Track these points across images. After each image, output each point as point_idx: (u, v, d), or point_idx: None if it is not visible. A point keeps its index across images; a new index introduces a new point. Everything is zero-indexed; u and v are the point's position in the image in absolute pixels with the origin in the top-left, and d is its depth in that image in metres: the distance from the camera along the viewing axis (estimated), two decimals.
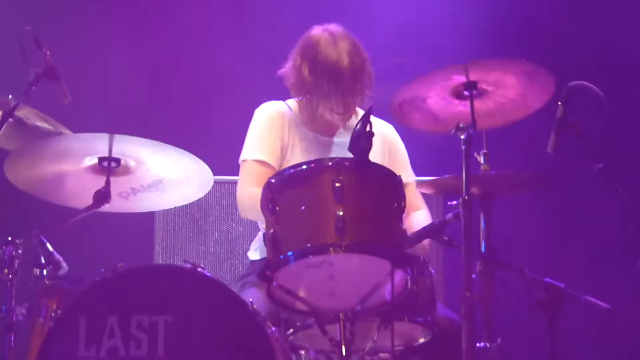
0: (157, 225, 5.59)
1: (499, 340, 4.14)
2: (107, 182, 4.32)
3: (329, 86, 4.67)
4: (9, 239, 4.26)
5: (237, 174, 4.87)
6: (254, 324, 3.94)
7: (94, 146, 4.29)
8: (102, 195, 4.33)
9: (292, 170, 3.93)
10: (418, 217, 4.80)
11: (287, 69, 4.80)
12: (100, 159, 4.33)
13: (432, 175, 5.16)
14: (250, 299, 4.02)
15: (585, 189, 5.59)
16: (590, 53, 6.31)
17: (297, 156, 4.79)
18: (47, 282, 4.32)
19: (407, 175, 4.90)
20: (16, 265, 4.24)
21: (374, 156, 3.91)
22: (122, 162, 4.34)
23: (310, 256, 3.80)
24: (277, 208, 3.87)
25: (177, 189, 4.47)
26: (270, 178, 3.92)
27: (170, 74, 6.46)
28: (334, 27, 4.79)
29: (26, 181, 4.39)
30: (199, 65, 6.48)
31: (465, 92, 4.15)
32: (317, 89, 4.70)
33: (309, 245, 3.79)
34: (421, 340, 4.24)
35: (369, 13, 6.46)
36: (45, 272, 4.33)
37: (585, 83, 4.27)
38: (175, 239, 5.61)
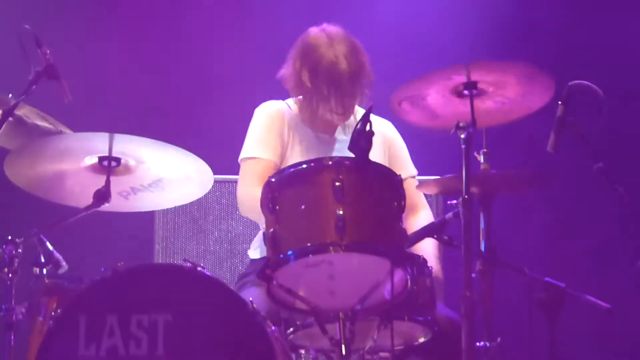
0: (157, 225, 5.59)
1: (499, 339, 4.13)
2: (107, 181, 4.32)
3: (328, 88, 4.68)
4: (9, 237, 4.25)
5: (237, 173, 4.87)
6: (254, 323, 3.94)
7: (94, 145, 4.29)
8: (102, 195, 4.33)
9: (292, 170, 3.93)
10: (423, 220, 4.80)
11: (285, 71, 4.82)
12: (101, 158, 4.33)
13: (432, 175, 5.18)
14: (250, 298, 4.02)
15: (585, 188, 5.59)
16: (590, 53, 6.31)
17: (297, 155, 4.80)
18: (46, 281, 4.32)
19: (408, 170, 4.93)
20: (16, 264, 4.23)
21: (374, 155, 3.91)
22: (122, 161, 4.34)
23: (310, 255, 3.80)
24: (277, 207, 3.87)
25: (177, 188, 4.47)
26: (270, 177, 3.92)
27: (171, 73, 6.46)
28: (331, 28, 4.79)
29: (26, 180, 4.39)
30: (199, 64, 6.48)
31: (465, 92, 4.15)
32: (316, 91, 4.72)
33: (309, 244, 3.79)
34: (421, 340, 4.24)
35: (369, 13, 6.46)
36: (45, 271, 4.32)
37: (585, 82, 4.27)
38: (175, 238, 5.61)
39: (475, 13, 6.53)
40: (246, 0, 6.59)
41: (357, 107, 4.87)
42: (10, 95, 4.38)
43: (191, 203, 5.31)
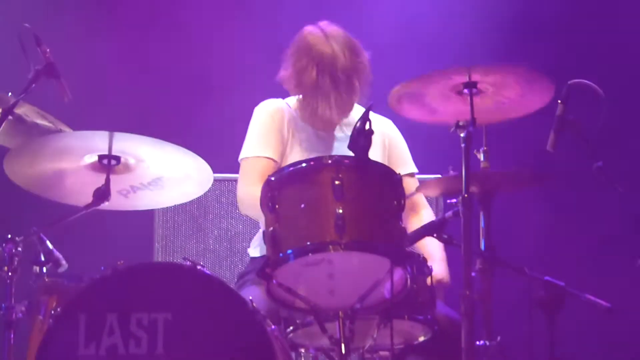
0: (156, 223, 5.59)
1: (499, 338, 4.13)
2: (107, 180, 4.32)
3: (326, 83, 4.69)
4: (9, 236, 4.25)
5: (236, 171, 4.87)
6: (254, 322, 3.94)
7: (93, 144, 4.29)
8: (102, 193, 4.32)
9: (291, 168, 3.93)
10: (425, 219, 4.80)
11: (284, 72, 4.82)
12: (100, 157, 4.32)
13: (431, 174, 5.18)
14: (250, 297, 4.02)
15: (585, 187, 5.58)
16: (591, 53, 6.31)
17: (297, 153, 4.81)
18: (46, 280, 4.32)
19: (408, 167, 4.94)
20: (16, 262, 4.23)
21: (374, 153, 3.92)
22: (122, 159, 4.34)
23: (310, 254, 3.80)
24: (277, 206, 3.87)
25: (176, 187, 4.47)
26: (269, 176, 3.93)
27: (170, 71, 6.46)
28: (325, 25, 4.81)
29: (26, 179, 4.38)
30: (199, 63, 6.48)
31: (465, 91, 4.15)
32: (315, 88, 4.72)
33: (308, 243, 3.79)
34: (421, 339, 4.24)
35: (369, 13, 6.46)
36: (44, 269, 4.32)
37: (585, 81, 4.27)
38: (175, 237, 5.62)
39: (475, 13, 6.53)
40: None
41: (357, 106, 4.87)
42: (10, 93, 4.38)
43: (191, 202, 5.32)
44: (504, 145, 4.75)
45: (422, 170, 5.04)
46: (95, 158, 4.33)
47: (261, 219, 4.13)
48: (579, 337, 5.79)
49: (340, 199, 3.79)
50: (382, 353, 4.24)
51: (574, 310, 4.22)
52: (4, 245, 4.23)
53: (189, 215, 5.62)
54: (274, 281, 3.88)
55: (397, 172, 3.97)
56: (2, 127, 4.35)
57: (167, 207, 5.52)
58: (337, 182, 3.81)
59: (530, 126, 4.68)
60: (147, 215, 5.56)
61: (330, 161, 3.88)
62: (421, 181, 4.91)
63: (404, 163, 4.93)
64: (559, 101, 4.26)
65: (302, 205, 3.82)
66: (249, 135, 4.87)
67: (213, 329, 3.91)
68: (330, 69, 4.69)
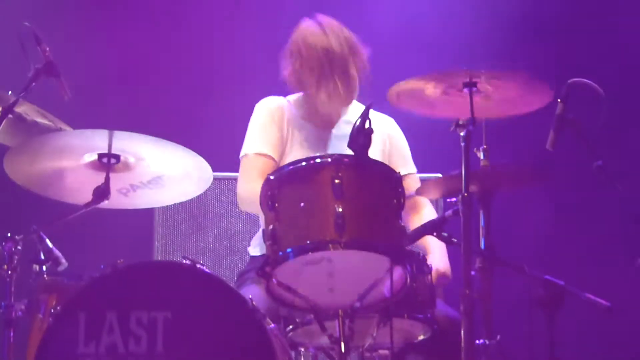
0: (156, 222, 5.59)
1: (498, 337, 4.13)
2: (107, 179, 4.32)
3: (323, 69, 4.71)
4: (8, 235, 4.25)
5: (236, 170, 4.87)
6: (254, 320, 3.94)
7: (93, 142, 4.29)
8: (102, 192, 4.32)
9: (291, 167, 3.93)
10: (427, 217, 4.81)
11: (284, 71, 4.84)
12: (100, 155, 4.32)
13: (431, 172, 5.18)
14: (250, 296, 4.02)
15: (585, 186, 5.59)
16: (591, 53, 6.30)
17: (297, 150, 4.81)
18: (46, 278, 4.32)
19: (409, 167, 4.94)
20: (15, 261, 4.23)
21: (374, 151, 3.92)
22: (122, 158, 4.34)
23: (310, 253, 3.80)
24: (277, 205, 3.87)
25: (176, 186, 4.46)
26: (269, 175, 3.92)
27: (170, 70, 6.46)
28: (320, 17, 4.86)
29: (26, 177, 4.38)
30: (199, 62, 6.48)
31: (465, 90, 4.15)
32: (314, 77, 4.73)
33: (308, 241, 3.79)
34: (420, 337, 4.24)
35: (369, 12, 6.46)
36: (44, 268, 4.32)
37: (585, 80, 4.27)
38: (175, 236, 5.62)
39: (475, 12, 6.53)
40: None
41: (358, 105, 4.88)
42: (9, 92, 4.38)
43: (190, 200, 5.31)
44: (504, 144, 4.74)
45: (421, 170, 5.04)
46: (95, 156, 4.33)
47: (261, 214, 4.12)
48: (578, 336, 5.79)
49: (340, 198, 3.79)
50: (381, 352, 4.25)
51: (574, 310, 4.22)
52: (3, 243, 4.23)
53: (188, 214, 5.62)
54: (274, 280, 3.88)
55: (398, 170, 3.97)
56: (2, 126, 4.34)
57: (167, 206, 5.52)
58: (336, 181, 3.81)
59: (529, 125, 4.68)
60: (147, 214, 5.56)
61: (330, 160, 3.87)
62: (420, 180, 4.91)
63: (404, 163, 4.93)
64: (559, 100, 4.26)
65: (302, 204, 3.82)
66: (249, 133, 4.88)
67: (213, 328, 3.91)
68: (327, 59, 4.72)
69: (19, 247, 4.25)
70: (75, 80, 4.45)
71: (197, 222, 5.63)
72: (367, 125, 3.86)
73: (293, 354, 4.22)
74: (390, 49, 6.11)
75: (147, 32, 6.45)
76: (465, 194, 4.01)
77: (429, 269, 4.23)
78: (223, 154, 4.96)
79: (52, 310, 4.13)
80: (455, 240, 4.16)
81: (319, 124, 4.88)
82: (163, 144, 4.25)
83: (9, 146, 4.36)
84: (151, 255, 5.56)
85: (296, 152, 4.79)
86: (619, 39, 6.37)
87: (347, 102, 4.82)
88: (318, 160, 3.90)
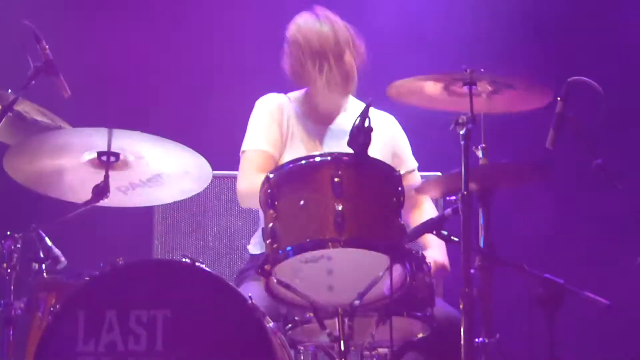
0: (155, 220, 5.59)
1: (498, 335, 4.13)
2: (106, 177, 4.32)
3: (320, 55, 4.72)
4: (8, 233, 4.26)
5: (236, 168, 4.87)
6: (253, 319, 3.94)
7: (93, 140, 4.29)
8: (101, 190, 4.32)
9: (291, 165, 3.93)
10: (428, 213, 4.82)
11: (283, 62, 4.84)
12: (99, 154, 4.32)
13: (431, 171, 5.18)
14: (249, 294, 4.02)
15: (585, 184, 5.58)
16: (591, 53, 6.31)
17: (297, 146, 4.82)
18: (45, 277, 4.32)
19: (409, 164, 4.95)
20: (15, 259, 4.23)
21: (374, 149, 3.91)
22: (121, 156, 4.34)
23: (309, 251, 3.80)
24: (276, 203, 3.87)
25: (176, 184, 4.46)
26: (269, 173, 3.92)
27: (170, 68, 6.46)
28: (317, 8, 4.88)
29: (25, 175, 4.38)
30: (199, 60, 6.48)
31: (465, 89, 4.16)
32: (312, 65, 4.74)
33: (307, 240, 3.79)
34: (420, 336, 4.24)
35: (369, 12, 6.46)
36: (43, 266, 4.33)
37: (584, 79, 4.27)
38: (174, 234, 5.61)
39: (475, 12, 6.53)
40: None
41: (357, 103, 4.88)
42: (9, 90, 4.38)
43: (190, 199, 5.30)
44: (503, 142, 4.74)
45: (421, 168, 5.04)
46: (94, 155, 4.33)
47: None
48: (578, 334, 5.79)
49: (339, 196, 3.79)
50: (381, 350, 4.24)
51: (573, 308, 4.22)
52: (2, 242, 4.24)
53: (188, 212, 5.62)
54: (274, 278, 3.88)
55: (399, 168, 3.98)
56: (1, 124, 4.35)
57: (166, 204, 5.50)
58: (336, 179, 3.81)
59: (529, 123, 4.68)
60: (146, 212, 5.55)
61: (329, 158, 3.87)
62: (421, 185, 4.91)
63: (405, 160, 4.94)
64: (559, 98, 4.26)
65: (302, 202, 3.82)
66: (249, 129, 4.89)
67: (212, 326, 3.91)
68: (321, 45, 4.74)
69: (19, 246, 4.25)
70: (74, 79, 4.45)
71: (197, 221, 5.62)
72: (366, 124, 3.85)
73: (292, 352, 4.21)
74: (391, 49, 6.12)
75: (147, 31, 6.45)
76: (465, 193, 4.01)
77: (429, 267, 4.22)
78: (222, 152, 4.96)
79: (52, 309, 4.13)
80: (455, 238, 4.16)
81: (320, 119, 4.89)
82: (162, 142, 4.25)
83: (9, 144, 4.36)
84: (150, 254, 5.56)
85: (296, 149, 4.80)
86: (619, 38, 6.37)
87: (346, 91, 4.83)
88: (318, 158, 3.90)
